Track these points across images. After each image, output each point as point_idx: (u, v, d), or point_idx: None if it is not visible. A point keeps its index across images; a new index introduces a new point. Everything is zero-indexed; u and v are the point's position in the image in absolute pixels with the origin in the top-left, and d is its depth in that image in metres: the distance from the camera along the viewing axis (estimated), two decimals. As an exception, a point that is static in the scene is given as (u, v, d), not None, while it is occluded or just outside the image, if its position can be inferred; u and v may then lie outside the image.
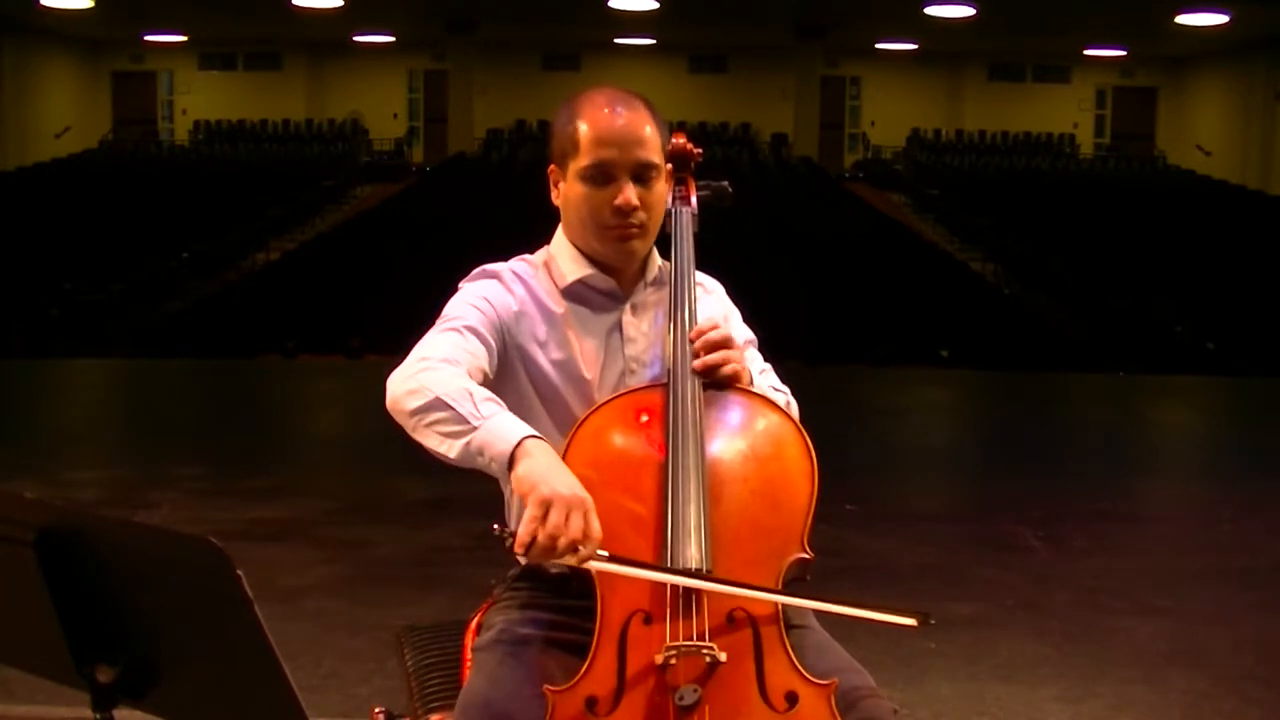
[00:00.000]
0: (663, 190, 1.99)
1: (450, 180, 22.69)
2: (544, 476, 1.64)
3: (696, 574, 1.72)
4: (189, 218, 17.01)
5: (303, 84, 28.35)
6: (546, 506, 1.62)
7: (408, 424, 1.77)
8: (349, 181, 23.95)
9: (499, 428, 1.70)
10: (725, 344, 1.93)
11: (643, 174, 1.93)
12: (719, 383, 1.93)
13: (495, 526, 1.68)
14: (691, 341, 1.94)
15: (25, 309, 12.50)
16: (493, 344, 1.92)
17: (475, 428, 1.70)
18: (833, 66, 27.05)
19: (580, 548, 1.62)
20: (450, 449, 1.72)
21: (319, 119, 28.20)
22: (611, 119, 1.93)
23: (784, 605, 1.76)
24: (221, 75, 28.61)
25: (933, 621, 1.69)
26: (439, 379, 1.76)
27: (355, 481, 6.53)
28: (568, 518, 1.61)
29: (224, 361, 11.28)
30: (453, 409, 1.72)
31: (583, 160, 1.93)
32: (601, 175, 1.93)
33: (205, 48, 27.93)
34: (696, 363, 1.92)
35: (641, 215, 1.94)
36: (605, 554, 1.67)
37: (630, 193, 1.92)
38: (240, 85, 28.49)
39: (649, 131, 1.94)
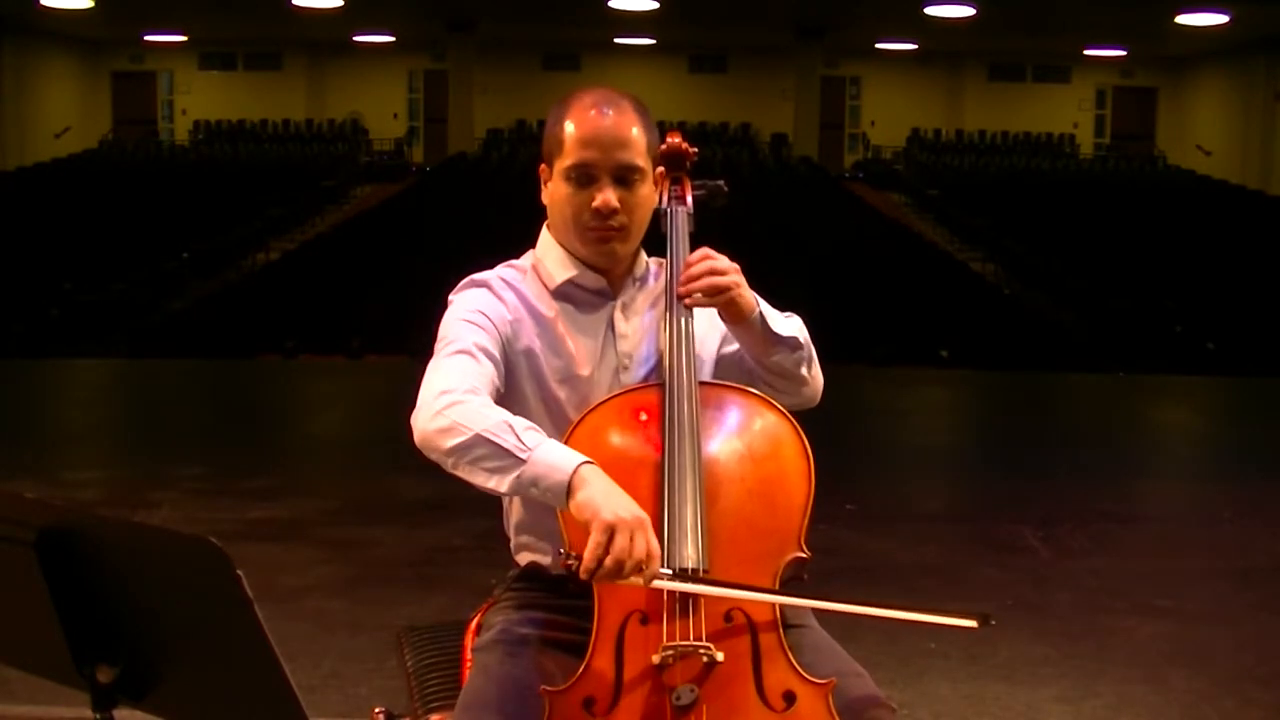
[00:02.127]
0: (646, 192, 1.98)
1: (450, 180, 22.69)
2: (605, 502, 1.65)
3: (737, 585, 1.73)
4: (189, 218, 17.01)
5: (303, 84, 28.35)
6: (611, 532, 1.62)
7: (446, 462, 1.75)
8: (349, 181, 23.94)
9: (549, 457, 1.70)
10: (717, 288, 1.91)
11: (625, 176, 1.93)
12: (723, 310, 1.92)
13: (562, 552, 1.70)
14: (688, 306, 1.93)
15: (25, 309, 12.49)
16: (499, 359, 1.92)
17: (524, 461, 1.69)
18: (833, 66, 27.04)
19: (644, 568, 1.64)
20: (500, 484, 1.71)
21: (319, 119, 28.20)
22: (597, 120, 1.93)
23: (782, 604, 1.76)
24: (221, 75, 28.61)
25: (993, 622, 1.71)
26: (471, 413, 1.74)
27: (355, 481, 6.53)
28: (631, 540, 1.63)
29: (224, 361, 11.27)
30: (495, 444, 1.71)
31: (566, 160, 1.94)
32: (583, 176, 1.93)
33: (205, 48, 27.93)
34: (687, 300, 1.91)
35: (621, 218, 1.94)
36: (669, 571, 1.69)
37: (610, 195, 1.92)
38: (240, 85, 28.49)
39: (635, 133, 1.94)
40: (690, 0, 21.45)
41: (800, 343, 2.00)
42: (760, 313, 1.94)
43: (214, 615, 1.32)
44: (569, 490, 1.67)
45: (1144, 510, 6.32)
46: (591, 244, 1.97)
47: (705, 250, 1.96)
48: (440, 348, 1.90)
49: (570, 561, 1.67)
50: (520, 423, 1.74)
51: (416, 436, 1.78)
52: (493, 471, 1.71)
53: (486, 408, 1.77)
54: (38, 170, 22.42)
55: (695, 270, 1.92)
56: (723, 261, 1.94)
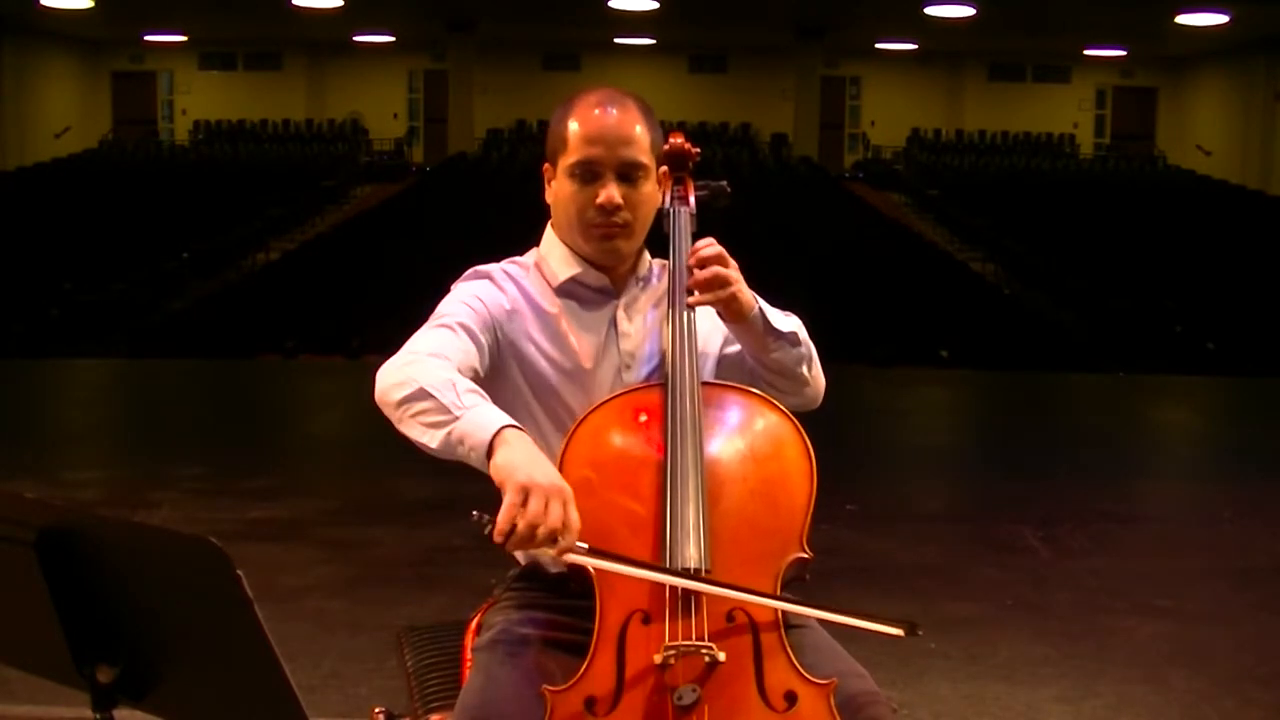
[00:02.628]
0: (650, 190, 1.98)
1: (450, 180, 22.69)
2: (522, 465, 1.63)
3: (687, 573, 1.72)
4: (189, 218, 17.01)
5: (303, 84, 28.35)
6: (525, 494, 1.61)
7: (394, 415, 1.77)
8: (349, 181, 23.94)
9: (479, 417, 1.70)
10: (719, 260, 1.91)
11: (629, 173, 1.94)
12: (723, 309, 1.92)
13: (475, 513, 1.66)
14: (690, 269, 1.93)
15: (25, 309, 12.49)
16: (484, 342, 1.92)
17: (457, 417, 1.70)
18: (833, 66, 27.04)
19: (560, 538, 1.61)
20: (432, 439, 1.72)
21: (319, 119, 28.19)
22: (601, 117, 1.94)
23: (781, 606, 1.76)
24: (221, 75, 28.61)
25: (920, 632, 1.70)
26: (425, 370, 1.76)
27: (355, 481, 6.53)
28: (546, 506, 1.60)
29: (224, 361, 11.27)
30: (435, 399, 1.72)
31: (570, 157, 1.94)
32: (587, 173, 1.93)
33: (205, 48, 27.93)
34: (691, 299, 1.91)
35: (625, 214, 1.95)
36: (585, 546, 1.66)
37: (614, 191, 1.93)
38: (240, 85, 28.49)
39: (638, 131, 1.95)
40: (690, 0, 21.45)
41: (800, 339, 2.00)
42: (760, 309, 1.94)
43: (214, 615, 1.32)
44: (490, 450, 1.66)
45: (1144, 510, 6.32)
46: (595, 241, 1.97)
47: (710, 240, 1.96)
48: (429, 322, 1.92)
49: (485, 523, 1.63)
50: (465, 384, 1.75)
51: (376, 391, 1.80)
52: (428, 426, 1.72)
53: (442, 368, 1.78)
54: (38, 170, 22.42)
55: (705, 254, 1.92)
56: (731, 266, 1.94)
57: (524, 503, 1.60)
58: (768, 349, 1.96)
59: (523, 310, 1.98)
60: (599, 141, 1.93)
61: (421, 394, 1.73)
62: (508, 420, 1.70)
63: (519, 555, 2.03)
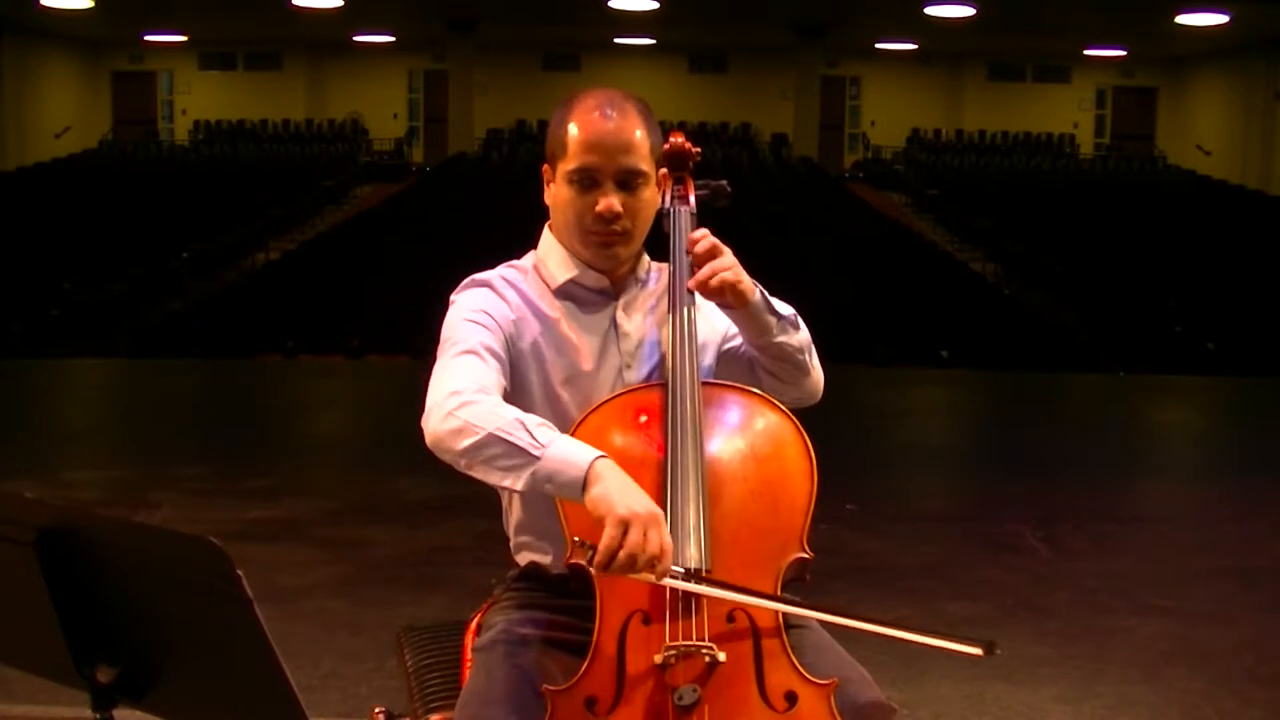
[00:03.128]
0: (649, 196, 1.98)
1: (450, 180, 22.69)
2: (620, 497, 1.65)
3: (742, 589, 1.72)
4: (189, 218, 17.00)
5: (303, 84, 28.35)
6: (625, 526, 1.62)
7: (459, 463, 1.75)
8: (349, 181, 23.95)
9: (563, 453, 1.70)
10: (714, 253, 1.91)
11: (628, 181, 1.93)
12: (720, 298, 1.92)
13: (576, 540, 1.70)
14: (688, 253, 1.93)
15: (25, 309, 12.49)
16: (505, 360, 1.92)
17: (538, 458, 1.69)
18: (833, 66, 27.05)
19: (657, 563, 1.64)
20: (515, 481, 1.71)
21: (319, 119, 28.20)
22: (600, 123, 1.93)
23: (794, 615, 1.76)
24: (221, 75, 28.61)
25: (999, 651, 1.70)
26: (484, 413, 1.74)
27: (355, 481, 6.53)
28: (645, 535, 1.63)
29: (224, 361, 11.27)
30: (508, 443, 1.71)
31: (570, 164, 1.94)
32: (587, 180, 1.93)
33: (205, 48, 27.93)
34: (691, 282, 1.91)
35: (624, 222, 1.95)
36: (681, 570, 1.69)
37: (613, 200, 1.92)
38: (240, 85, 28.49)
39: (639, 136, 1.94)
40: (690, 0, 21.45)
41: (799, 323, 2.01)
42: (761, 292, 1.95)
43: (214, 615, 1.32)
44: (584, 485, 1.67)
45: (1144, 510, 6.32)
46: (594, 248, 1.97)
47: (705, 231, 1.96)
48: (445, 348, 1.89)
49: (583, 554, 1.66)
50: (532, 419, 1.74)
51: (428, 438, 1.77)
52: (507, 470, 1.71)
53: (498, 406, 1.77)
54: (38, 170, 22.42)
55: (700, 250, 1.92)
56: (726, 253, 1.94)
57: (624, 534, 1.62)
58: (770, 332, 1.97)
59: (526, 317, 1.98)
60: (598, 149, 1.92)
61: (492, 440, 1.71)
62: (595, 452, 1.70)
63: (520, 559, 2.03)
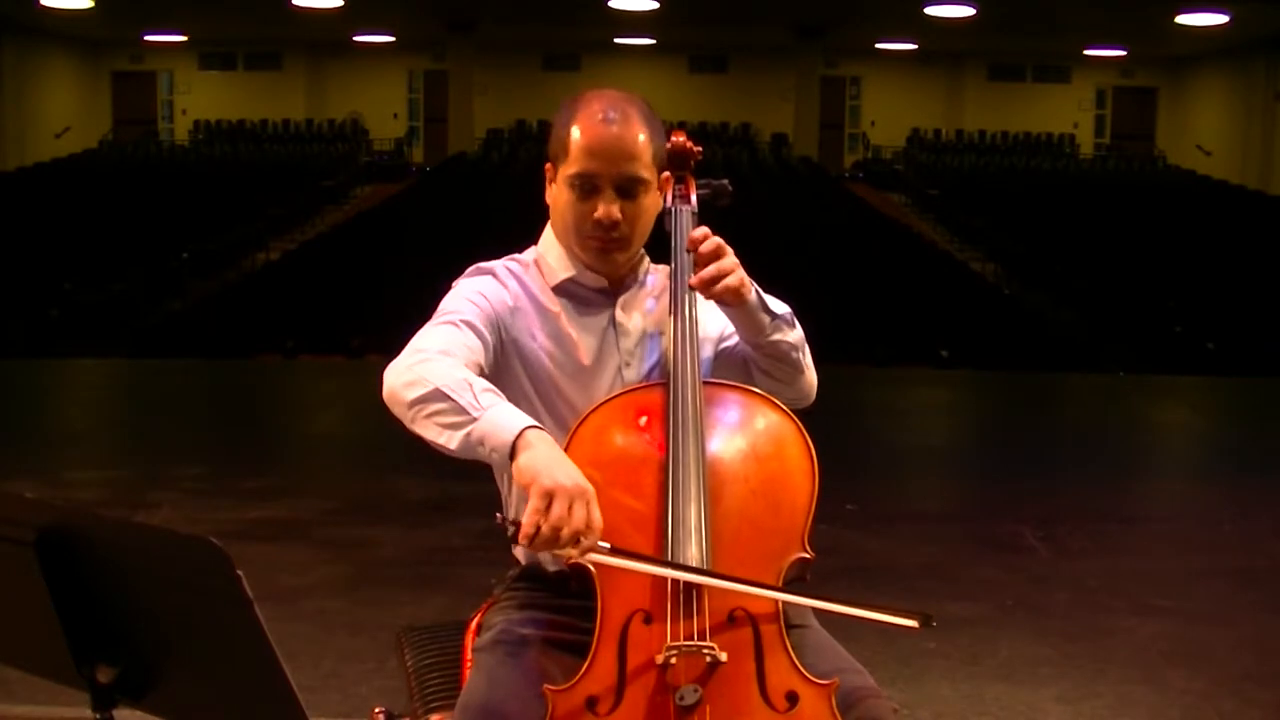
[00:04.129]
0: (650, 202, 1.97)
1: (450, 180, 22.69)
2: (546, 467, 1.63)
3: (696, 569, 1.72)
4: (189, 218, 17.01)
5: (303, 84, 28.35)
6: (549, 497, 1.61)
7: (406, 415, 1.76)
8: (349, 181, 23.95)
9: (499, 418, 1.70)
10: (719, 253, 1.90)
11: (629, 188, 1.93)
12: (721, 298, 1.91)
13: (498, 516, 1.69)
14: (689, 251, 1.93)
15: (25, 309, 12.49)
16: (489, 339, 1.91)
17: (475, 418, 1.70)
18: (833, 66, 27.05)
19: (582, 538, 1.62)
20: (450, 440, 1.71)
21: (319, 119, 28.20)
22: (603, 129, 1.92)
23: (785, 604, 1.76)
24: (221, 75, 28.61)
25: (934, 624, 1.69)
26: (437, 370, 1.75)
27: (355, 481, 6.53)
28: (570, 508, 1.61)
29: (224, 361, 11.27)
30: (452, 399, 1.71)
31: (571, 168, 1.93)
32: (586, 185, 1.92)
33: (205, 48, 27.93)
34: (693, 280, 1.90)
35: (623, 229, 1.94)
36: (607, 545, 1.67)
37: (612, 207, 1.92)
38: (240, 85, 28.49)
39: (641, 142, 1.93)
40: (690, 0, 21.45)
41: (794, 321, 2.01)
42: (757, 290, 1.95)
43: (214, 615, 1.32)
44: (513, 452, 1.66)
45: (1144, 510, 6.32)
46: (591, 253, 1.97)
47: (706, 230, 1.95)
48: (433, 319, 1.91)
49: (508, 526, 1.65)
50: (481, 383, 1.74)
51: (385, 391, 1.79)
52: (445, 427, 1.72)
53: (455, 367, 1.77)
54: (38, 170, 22.42)
55: (705, 250, 1.91)
56: (729, 253, 1.93)
57: (548, 506, 1.60)
58: (765, 331, 1.96)
59: (525, 307, 1.98)
60: (599, 155, 1.91)
61: (437, 394, 1.72)
62: (528, 420, 1.70)
63: (520, 555, 2.03)
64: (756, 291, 1.95)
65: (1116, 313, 13.74)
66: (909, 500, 6.45)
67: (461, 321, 1.89)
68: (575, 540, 1.62)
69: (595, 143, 1.91)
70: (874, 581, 4.74)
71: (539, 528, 1.60)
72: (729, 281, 1.88)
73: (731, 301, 1.93)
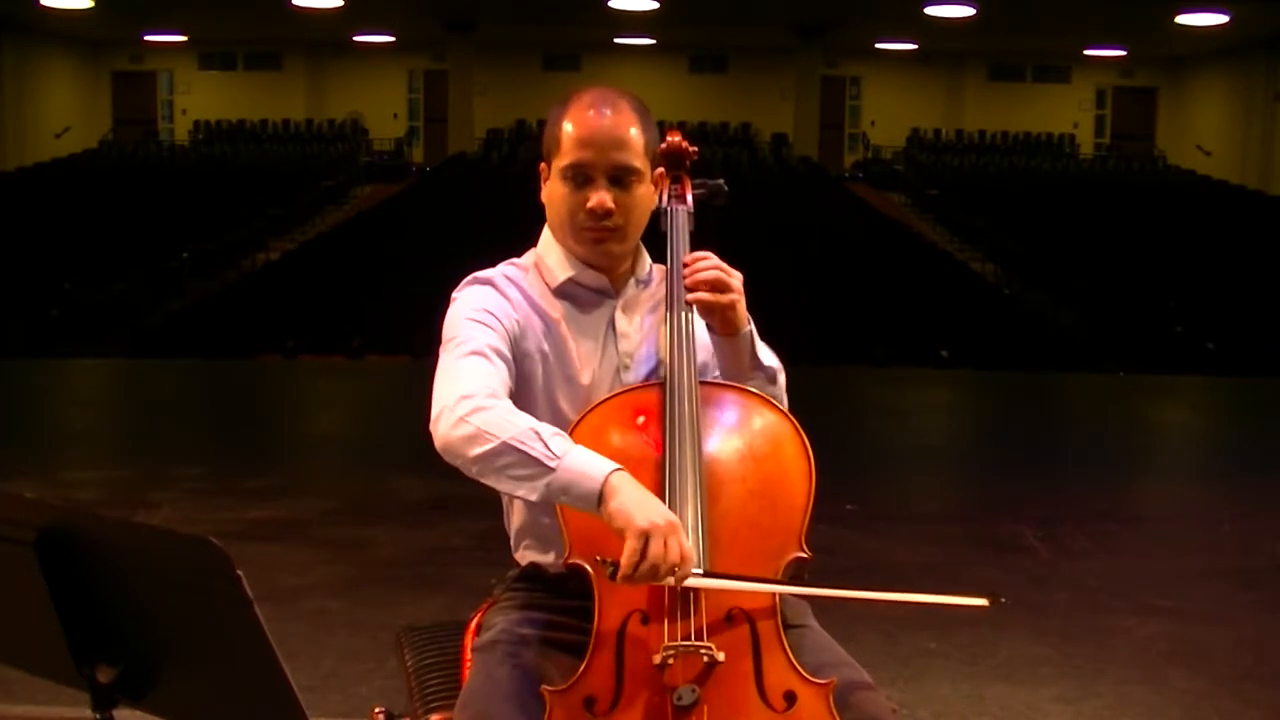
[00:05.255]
0: (643, 193, 1.97)
1: (450, 180, 22.69)
2: (638, 510, 1.65)
3: (784, 582, 1.75)
4: (189, 218, 17.01)
5: (303, 84, 28.35)
6: (646, 538, 1.63)
7: (470, 469, 1.75)
8: (349, 181, 23.94)
9: (578, 465, 1.69)
10: (722, 285, 1.92)
11: (621, 177, 1.93)
12: (718, 318, 1.93)
13: (598, 558, 1.70)
14: (685, 266, 1.94)
15: (25, 309, 12.49)
16: (510, 361, 1.91)
17: (553, 469, 1.69)
18: (833, 66, 27.04)
19: (677, 569, 1.65)
20: (530, 491, 1.71)
21: (319, 119, 28.20)
22: (594, 120, 1.93)
23: (782, 604, 1.77)
24: (221, 75, 28.62)
25: (1004, 600, 1.73)
26: (497, 420, 1.73)
27: (355, 481, 6.53)
28: (665, 545, 1.63)
29: (224, 361, 11.27)
30: (523, 452, 1.70)
31: (563, 160, 1.94)
32: (579, 176, 1.93)
33: (205, 48, 27.93)
34: (691, 296, 1.91)
35: (617, 219, 1.94)
36: (700, 570, 1.70)
37: (605, 196, 1.92)
38: (240, 85, 28.49)
39: (632, 134, 1.94)
40: (690, 0, 21.45)
41: (777, 379, 2.02)
42: (751, 330, 1.96)
43: (214, 615, 1.32)
44: (601, 498, 1.67)
45: (1144, 510, 6.32)
46: (586, 244, 1.97)
47: (708, 254, 1.96)
48: (450, 348, 1.88)
49: (605, 569, 1.67)
50: (547, 429, 1.73)
51: (438, 443, 1.77)
52: (520, 480, 1.71)
53: (511, 414, 1.76)
54: (38, 170, 22.42)
55: (701, 266, 1.93)
56: (734, 275, 1.95)
57: (645, 545, 1.63)
58: (745, 375, 1.98)
59: (527, 314, 1.98)
60: (591, 145, 1.92)
61: (506, 449, 1.71)
62: (610, 465, 1.70)
63: (519, 556, 2.03)
64: (751, 333, 1.96)
65: (1116, 313, 13.74)
66: (909, 500, 6.45)
67: (488, 349, 1.87)
68: (672, 572, 1.65)
69: (587, 133, 1.92)
70: (874, 582, 4.71)
71: (637, 568, 1.63)
72: (724, 298, 1.90)
73: (718, 329, 1.94)
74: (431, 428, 1.77)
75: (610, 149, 1.92)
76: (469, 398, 1.76)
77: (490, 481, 1.74)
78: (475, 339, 1.88)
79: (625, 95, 1.99)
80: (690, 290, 1.92)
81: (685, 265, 1.95)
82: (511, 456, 1.70)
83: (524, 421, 1.74)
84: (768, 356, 2.00)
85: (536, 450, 1.70)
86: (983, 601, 1.73)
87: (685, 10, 21.94)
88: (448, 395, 1.78)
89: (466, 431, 1.73)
